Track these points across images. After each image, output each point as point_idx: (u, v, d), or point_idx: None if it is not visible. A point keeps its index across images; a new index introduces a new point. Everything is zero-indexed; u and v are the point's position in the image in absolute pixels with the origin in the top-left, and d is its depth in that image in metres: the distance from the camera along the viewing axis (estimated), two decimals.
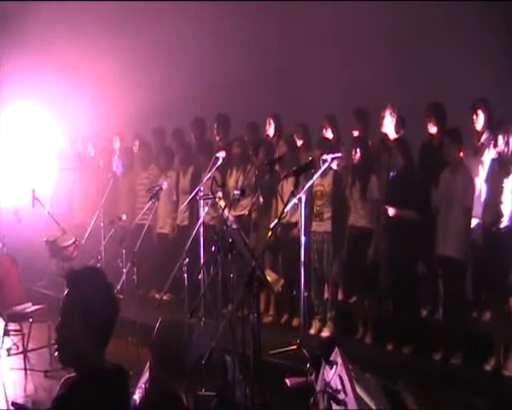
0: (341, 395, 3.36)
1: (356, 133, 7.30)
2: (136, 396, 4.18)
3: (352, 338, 6.77)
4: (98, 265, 6.82)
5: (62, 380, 2.67)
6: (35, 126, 11.28)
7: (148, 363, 4.75)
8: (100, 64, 10.61)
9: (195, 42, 9.83)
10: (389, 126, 7.07)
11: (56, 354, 2.60)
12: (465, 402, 5.11)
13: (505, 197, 5.61)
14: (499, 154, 5.73)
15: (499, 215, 5.64)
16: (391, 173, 6.66)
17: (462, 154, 6.17)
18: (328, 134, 7.51)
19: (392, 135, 7.04)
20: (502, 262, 5.59)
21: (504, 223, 5.62)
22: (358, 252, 6.69)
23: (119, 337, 6.25)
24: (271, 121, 8.05)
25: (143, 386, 4.25)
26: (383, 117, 7.10)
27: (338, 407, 3.36)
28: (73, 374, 2.64)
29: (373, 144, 7.21)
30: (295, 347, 6.03)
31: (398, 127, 7.04)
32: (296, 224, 6.97)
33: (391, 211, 6.37)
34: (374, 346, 6.62)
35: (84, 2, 10.36)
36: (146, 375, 4.54)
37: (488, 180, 6.02)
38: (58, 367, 6.35)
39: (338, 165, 7.26)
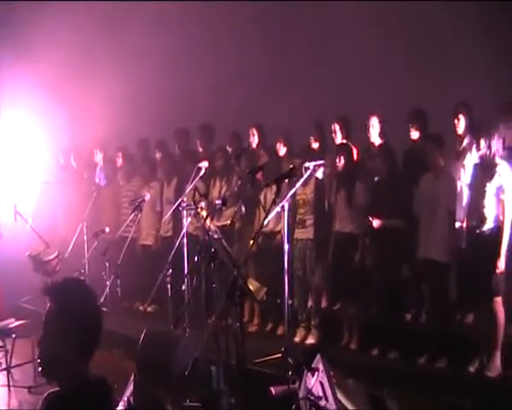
0: (323, 402, 3.37)
1: (338, 140, 7.33)
2: (120, 409, 4.15)
3: (338, 345, 6.79)
4: (81, 278, 6.77)
5: (45, 395, 2.63)
6: (17, 139, 11.20)
7: (133, 375, 4.72)
8: (81, 74, 10.62)
9: (178, 52, 9.84)
10: (375, 134, 7.11)
11: (40, 368, 2.58)
12: (450, 405, 5.13)
13: (488, 201, 5.65)
14: (482, 157, 5.77)
15: (482, 218, 5.68)
16: (376, 179, 6.70)
17: (443, 159, 6.22)
18: (313, 142, 7.52)
19: (378, 141, 7.08)
20: (485, 264, 5.62)
21: (488, 226, 5.66)
22: (344, 258, 6.70)
23: (103, 350, 6.20)
24: (255, 131, 8.06)
25: (126, 399, 4.22)
26: (371, 126, 7.11)
27: None
28: (57, 389, 2.61)
29: (358, 151, 7.26)
30: (280, 355, 6.03)
31: (382, 134, 7.09)
32: (279, 232, 7.00)
33: (376, 223, 6.40)
34: (359, 352, 6.63)
35: (68, 12, 10.33)
36: (130, 388, 4.51)
37: (471, 184, 6.06)
38: (42, 383, 6.29)
39: (324, 173, 7.29)
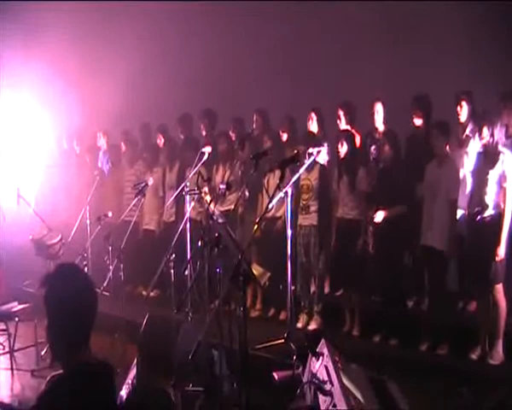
0: (328, 386, 3.37)
1: (342, 126, 7.32)
2: (123, 392, 4.17)
3: (340, 331, 6.80)
4: (84, 262, 6.77)
5: (48, 378, 2.67)
6: (20, 123, 11.18)
7: (136, 360, 4.74)
8: (86, 59, 10.60)
9: (181, 38, 9.81)
10: (380, 120, 7.09)
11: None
12: (451, 392, 5.15)
13: (490, 188, 5.65)
14: (484, 146, 5.76)
15: (483, 205, 5.68)
16: (380, 165, 6.69)
17: (448, 147, 6.21)
18: (314, 126, 7.52)
19: (381, 127, 7.06)
20: (485, 251, 5.63)
21: (489, 212, 5.65)
22: (348, 244, 6.71)
23: (106, 334, 6.26)
24: (258, 117, 8.04)
25: (130, 382, 4.24)
26: (375, 112, 7.10)
27: (324, 398, 3.38)
28: (60, 371, 2.64)
29: (361, 137, 7.25)
30: (282, 340, 6.05)
31: (385, 120, 7.07)
32: (280, 218, 7.01)
33: (380, 215, 6.39)
34: (361, 338, 6.65)
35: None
36: (133, 371, 4.54)
37: (474, 172, 6.05)
38: (45, 366, 6.34)
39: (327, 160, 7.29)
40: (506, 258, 5.63)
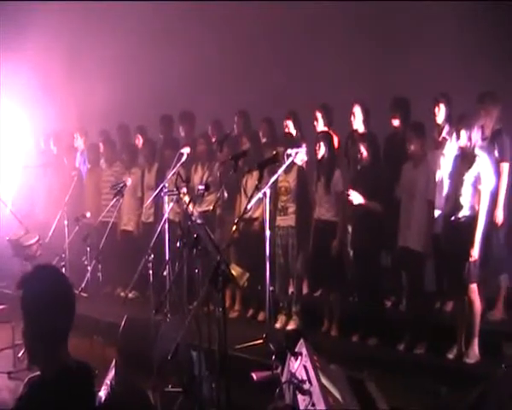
0: (306, 385, 3.39)
1: (320, 128, 7.35)
2: (102, 393, 4.15)
3: (318, 331, 6.83)
4: (62, 263, 6.73)
5: (26, 380, 2.65)
6: None
7: (114, 361, 4.71)
8: (63, 61, 10.53)
9: (160, 39, 9.79)
10: (359, 122, 7.14)
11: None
12: (429, 390, 5.20)
13: (465, 190, 5.71)
14: (462, 149, 5.82)
15: (458, 206, 5.74)
16: (358, 167, 6.73)
17: (424, 148, 6.27)
18: (290, 129, 7.55)
19: (361, 129, 7.11)
20: (460, 252, 5.69)
21: (463, 213, 5.72)
22: (324, 245, 6.73)
23: (85, 336, 6.23)
24: (238, 118, 8.04)
25: (109, 383, 4.22)
26: (353, 113, 7.15)
27: (303, 397, 3.40)
28: (37, 373, 2.62)
29: (339, 139, 7.29)
30: (261, 341, 6.07)
31: (366, 122, 7.12)
32: (257, 219, 7.03)
33: (356, 198, 6.39)
34: (339, 338, 6.69)
35: (56, 3, 10.24)
36: (112, 373, 4.50)
37: (451, 174, 6.11)
38: (22, 368, 6.28)
39: (302, 160, 7.31)
40: (481, 258, 5.69)
